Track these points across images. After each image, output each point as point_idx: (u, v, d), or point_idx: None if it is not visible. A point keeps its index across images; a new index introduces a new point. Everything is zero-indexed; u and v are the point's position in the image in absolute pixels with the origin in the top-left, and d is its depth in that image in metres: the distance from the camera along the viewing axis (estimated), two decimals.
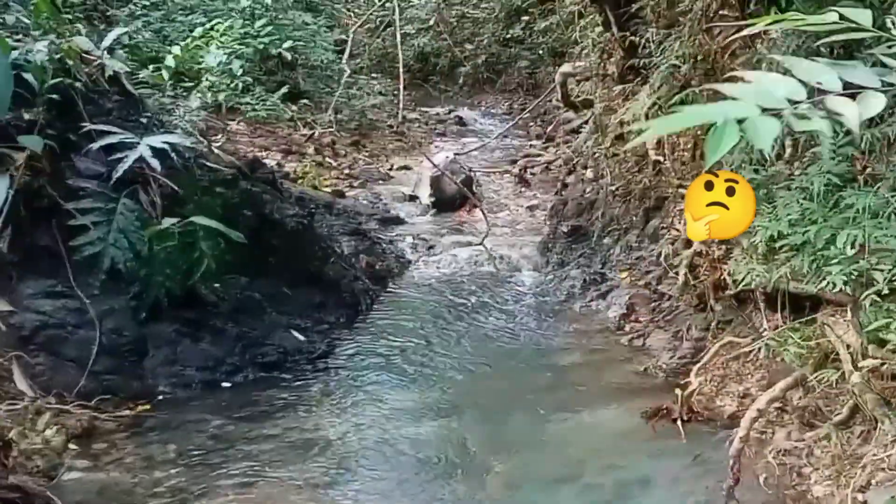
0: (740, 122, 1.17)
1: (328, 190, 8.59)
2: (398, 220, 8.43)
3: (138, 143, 4.95)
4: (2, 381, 4.50)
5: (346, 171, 9.64)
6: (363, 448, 4.39)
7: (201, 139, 6.29)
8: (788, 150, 4.44)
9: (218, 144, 6.82)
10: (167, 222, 4.97)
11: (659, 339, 5.62)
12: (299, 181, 8.38)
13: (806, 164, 4.28)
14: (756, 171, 4.42)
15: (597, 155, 6.98)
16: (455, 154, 9.46)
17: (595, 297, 6.41)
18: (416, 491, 4.02)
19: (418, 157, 10.12)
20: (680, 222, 5.64)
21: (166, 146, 5.04)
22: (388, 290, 6.75)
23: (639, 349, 5.56)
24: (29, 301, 4.85)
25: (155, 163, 4.89)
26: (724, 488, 3.73)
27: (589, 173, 7.31)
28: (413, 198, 9.04)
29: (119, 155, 4.94)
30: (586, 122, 7.85)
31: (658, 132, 1.23)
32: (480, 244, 7.34)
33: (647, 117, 5.99)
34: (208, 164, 5.62)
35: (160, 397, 4.92)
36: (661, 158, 6.15)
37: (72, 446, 4.26)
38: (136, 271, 5.00)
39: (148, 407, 4.82)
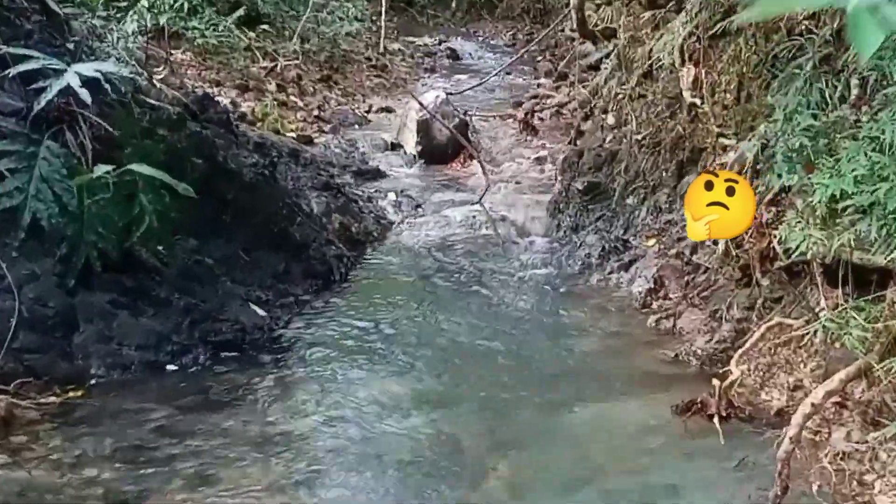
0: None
1: (293, 135, 8.68)
2: (378, 174, 8.43)
3: (65, 71, 4.86)
4: None
5: (315, 113, 9.78)
6: (337, 446, 4.38)
7: (140, 70, 6.26)
8: (855, 92, 4.39)
9: (160, 77, 6.83)
10: (100, 170, 4.91)
11: (692, 319, 5.61)
12: (258, 124, 8.44)
13: (876, 108, 4.19)
14: (815, 116, 4.39)
15: (620, 96, 7.02)
16: (447, 94, 9.33)
17: (616, 268, 6.45)
18: (401, 498, 4.04)
19: (402, 97, 10.17)
20: None
21: (98, 75, 4.97)
22: (367, 256, 6.83)
23: (668, 332, 5.57)
24: None
25: (85, 95, 4.80)
26: (770, 497, 3.75)
27: (610, 119, 7.31)
28: (396, 146, 9.07)
29: (41, 84, 4.87)
30: (607, 57, 8.06)
31: (764, 13, 1.15)
32: (478, 203, 7.31)
33: (682, 52, 6.14)
34: (149, 100, 5.60)
35: (93, 381, 4.89)
36: (698, 101, 6.17)
37: None
38: (63, 229, 4.93)
39: (79, 393, 4.80)
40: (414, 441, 4.46)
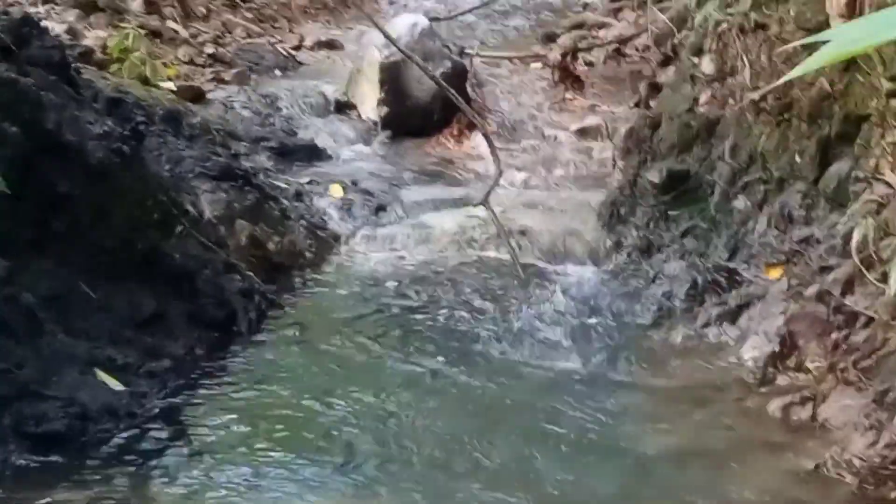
0: None
1: (171, 87, 7.69)
2: (314, 153, 7.71)
3: None
4: None
5: (210, 51, 8.69)
6: None
7: None
8: None
9: None
10: None
11: (845, 405, 5.09)
12: (113, 68, 7.46)
13: None
14: None
15: (723, 27, 6.31)
16: (431, 19, 8.69)
17: (716, 317, 5.82)
18: None
19: (355, 23, 9.80)
20: (894, 169, 5.41)
21: None
22: (293, 292, 6.27)
23: (805, 426, 5.06)
24: None
25: None
26: None
27: (706, 65, 6.50)
28: (344, 107, 8.33)
29: None
30: None
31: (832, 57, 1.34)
32: (481, 205, 6.65)
33: None
34: None
35: None
36: None
37: None
38: None
39: None
40: None
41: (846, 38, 1.33)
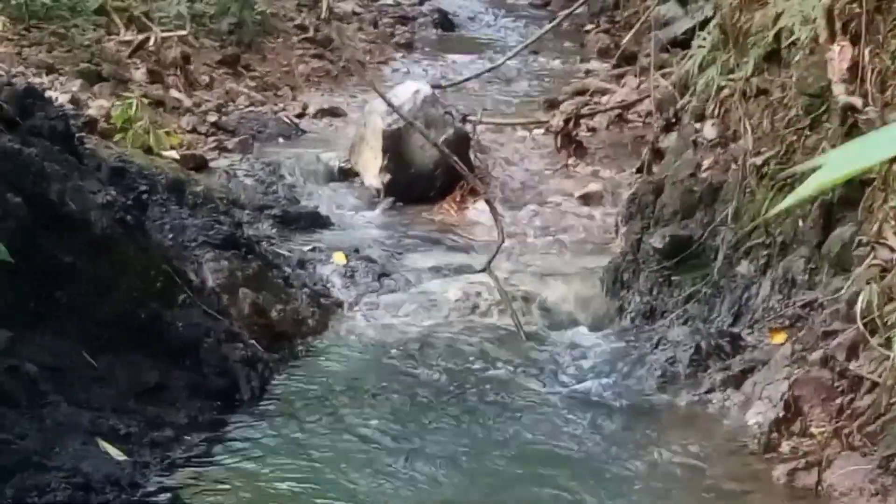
0: None
1: (174, 155, 7.73)
2: (317, 220, 7.77)
3: None
4: None
5: (213, 119, 8.75)
6: None
7: None
8: None
9: None
10: None
11: (851, 471, 5.04)
12: (117, 137, 7.55)
13: None
14: None
15: (726, 93, 6.48)
16: (434, 87, 8.80)
17: (720, 383, 5.81)
18: None
19: (358, 91, 9.90)
20: None
21: None
22: (296, 361, 6.21)
23: (810, 492, 5.02)
24: None
25: None
26: None
27: (709, 129, 6.65)
28: (347, 174, 8.44)
29: None
30: (703, 26, 7.48)
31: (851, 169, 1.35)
32: (484, 271, 6.74)
33: (830, 19, 5.76)
34: None
35: None
36: (857, 101, 5.65)
37: None
38: None
39: None
40: None
41: (839, 163, 1.33)
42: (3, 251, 4.72)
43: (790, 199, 1.66)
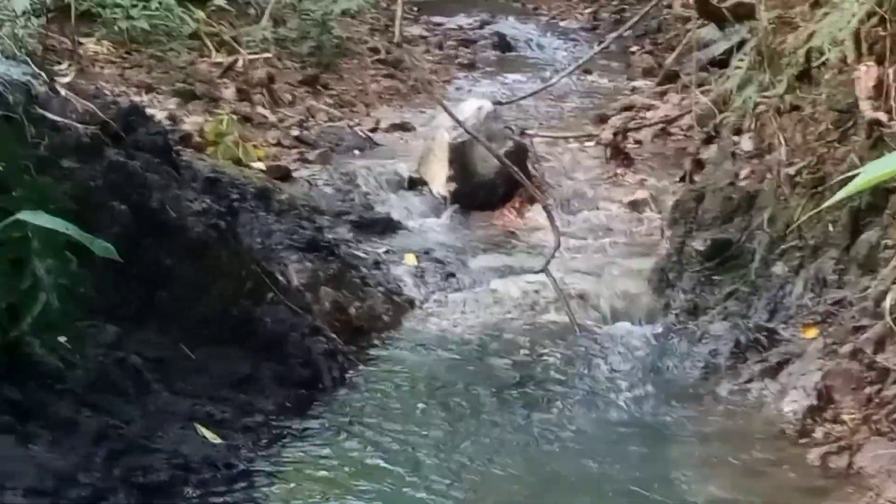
0: None
1: (261, 166, 8.06)
2: (389, 225, 7.99)
3: None
4: None
5: (295, 133, 9.09)
6: None
7: (35, 70, 5.87)
8: None
9: (65, 81, 6.37)
10: None
11: (880, 455, 5.08)
12: (210, 150, 7.85)
13: None
14: None
15: (761, 108, 6.51)
16: (495, 104, 8.96)
17: (757, 373, 5.91)
18: None
19: (426, 108, 10.09)
20: None
21: None
22: (372, 352, 6.38)
23: (842, 473, 5.08)
24: None
25: None
26: None
27: (746, 142, 6.71)
28: (416, 183, 8.67)
29: None
30: (741, 48, 7.80)
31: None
32: (543, 272, 6.89)
33: (858, 41, 5.84)
34: (49, 115, 5.33)
35: None
36: (882, 116, 5.71)
37: None
38: None
39: None
40: None
41: (877, 170, 1.55)
42: (112, 250, 4.80)
43: (840, 195, 1.84)
